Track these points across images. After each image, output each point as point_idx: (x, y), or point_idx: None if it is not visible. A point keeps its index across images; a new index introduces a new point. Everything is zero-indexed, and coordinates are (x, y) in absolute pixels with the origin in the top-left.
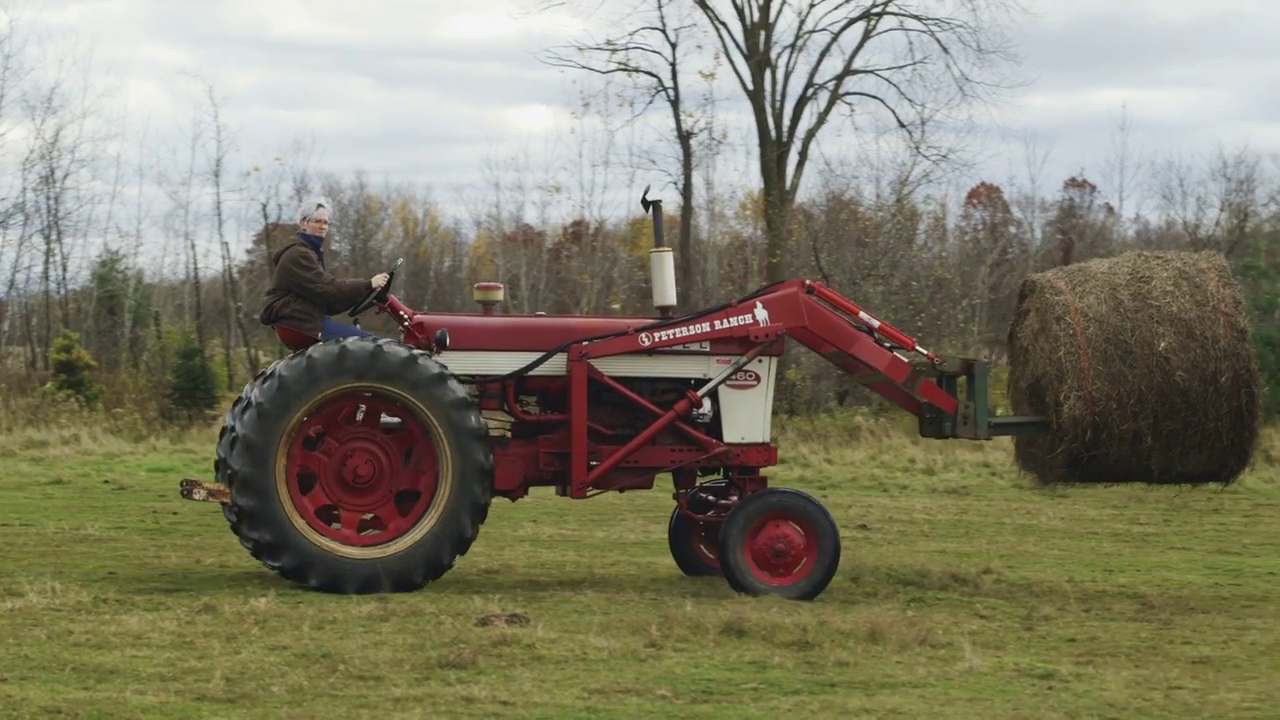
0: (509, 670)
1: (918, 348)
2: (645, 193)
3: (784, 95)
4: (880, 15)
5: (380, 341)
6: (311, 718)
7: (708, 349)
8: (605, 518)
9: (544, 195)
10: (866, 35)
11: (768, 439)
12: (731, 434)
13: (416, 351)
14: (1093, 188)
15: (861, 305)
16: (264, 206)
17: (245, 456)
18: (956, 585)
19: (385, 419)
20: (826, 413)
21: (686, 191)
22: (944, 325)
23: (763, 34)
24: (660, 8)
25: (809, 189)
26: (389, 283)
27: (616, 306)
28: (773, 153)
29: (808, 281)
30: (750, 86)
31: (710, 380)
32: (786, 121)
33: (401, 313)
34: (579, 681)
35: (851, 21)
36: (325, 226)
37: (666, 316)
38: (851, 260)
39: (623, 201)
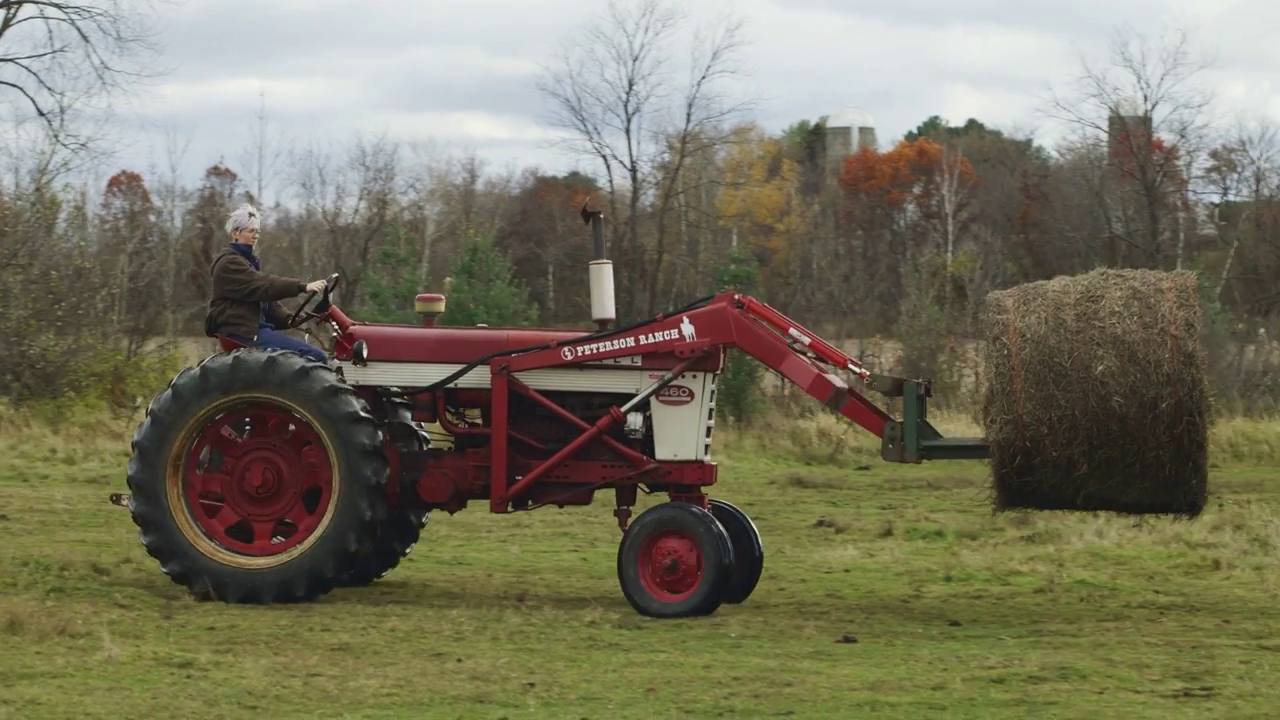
0: None
1: (850, 365)
2: (585, 205)
3: None
4: (20, 3)
5: (273, 353)
6: None
7: (640, 364)
8: None
9: None
10: (6, 23)
11: (702, 456)
12: (664, 450)
13: (310, 364)
14: (234, 176)
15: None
16: None
17: (139, 463)
18: (96, 575)
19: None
20: None
21: None
22: (84, 315)
23: None
24: None
25: None
26: (327, 292)
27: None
28: None
29: (737, 296)
30: None
31: (637, 395)
32: None
33: (337, 323)
34: None
35: None
36: (256, 235)
37: (603, 330)
38: None
39: None
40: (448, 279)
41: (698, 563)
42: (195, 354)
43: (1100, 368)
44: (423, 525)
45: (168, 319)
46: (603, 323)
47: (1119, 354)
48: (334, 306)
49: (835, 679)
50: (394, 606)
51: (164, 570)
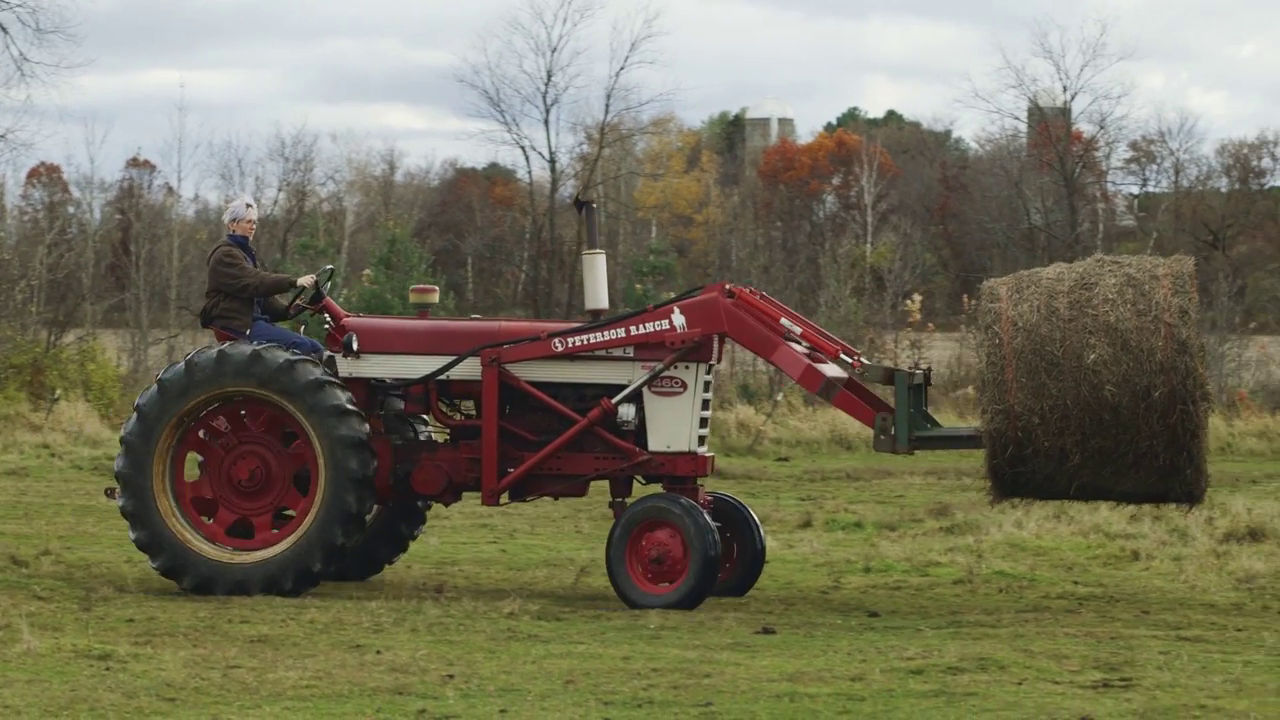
0: None
1: (842, 355)
2: (577, 195)
3: None
4: None
5: (257, 346)
6: None
7: (632, 355)
8: None
9: None
10: None
11: (695, 448)
12: (656, 442)
13: (295, 358)
14: (153, 167)
15: None
16: None
17: (125, 459)
18: (15, 567)
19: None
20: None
21: None
22: (3, 306)
23: None
24: None
25: None
26: (317, 284)
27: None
28: None
29: (728, 285)
30: None
31: (629, 387)
32: None
33: (331, 315)
34: None
35: None
36: (254, 226)
37: (596, 320)
38: None
39: None
40: (366, 270)
41: (684, 555)
42: (114, 346)
43: (1092, 356)
44: (427, 508)
45: (87, 311)
46: (596, 313)
47: (1111, 342)
48: (328, 299)
49: (754, 670)
50: (313, 598)
51: (153, 566)
